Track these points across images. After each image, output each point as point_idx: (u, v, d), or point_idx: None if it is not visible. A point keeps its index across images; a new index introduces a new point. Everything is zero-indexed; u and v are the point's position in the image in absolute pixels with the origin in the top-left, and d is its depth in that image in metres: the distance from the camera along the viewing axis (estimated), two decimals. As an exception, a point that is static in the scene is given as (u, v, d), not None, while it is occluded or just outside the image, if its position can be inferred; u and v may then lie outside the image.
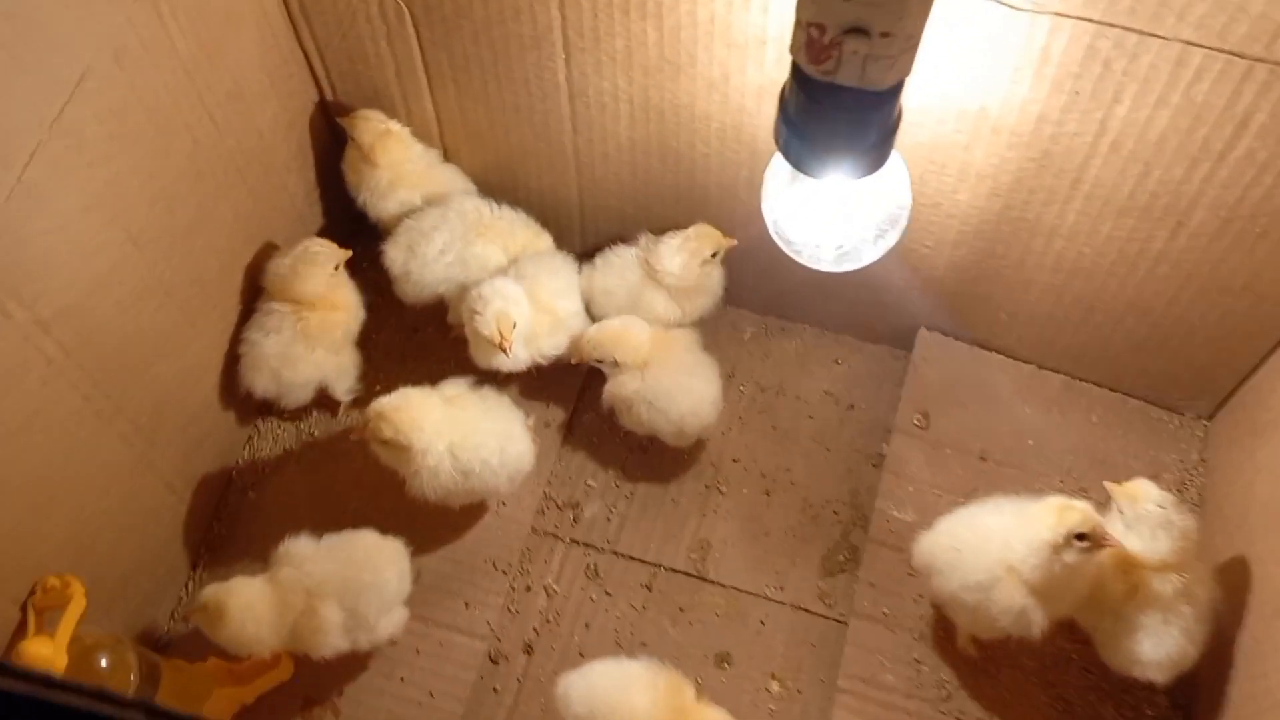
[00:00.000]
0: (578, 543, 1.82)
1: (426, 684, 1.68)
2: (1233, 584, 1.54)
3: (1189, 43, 1.29)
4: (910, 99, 1.38)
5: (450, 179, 1.92)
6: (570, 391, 1.94)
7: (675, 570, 1.79)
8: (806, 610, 1.75)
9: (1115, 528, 1.47)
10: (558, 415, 1.92)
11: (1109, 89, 1.38)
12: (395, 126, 1.85)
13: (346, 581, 1.55)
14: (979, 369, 1.92)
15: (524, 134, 1.83)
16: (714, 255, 1.81)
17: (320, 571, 1.55)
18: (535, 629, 1.74)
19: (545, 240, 1.92)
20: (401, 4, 1.67)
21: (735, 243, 1.79)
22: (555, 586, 1.78)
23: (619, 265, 1.87)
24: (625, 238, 1.90)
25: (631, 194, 1.87)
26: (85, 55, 1.32)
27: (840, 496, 1.85)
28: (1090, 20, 1.31)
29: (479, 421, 1.67)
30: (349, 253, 1.80)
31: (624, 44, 1.58)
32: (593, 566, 1.80)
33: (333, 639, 1.55)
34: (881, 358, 1.99)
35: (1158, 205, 1.52)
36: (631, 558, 1.80)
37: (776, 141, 1.24)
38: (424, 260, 1.82)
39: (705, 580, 1.78)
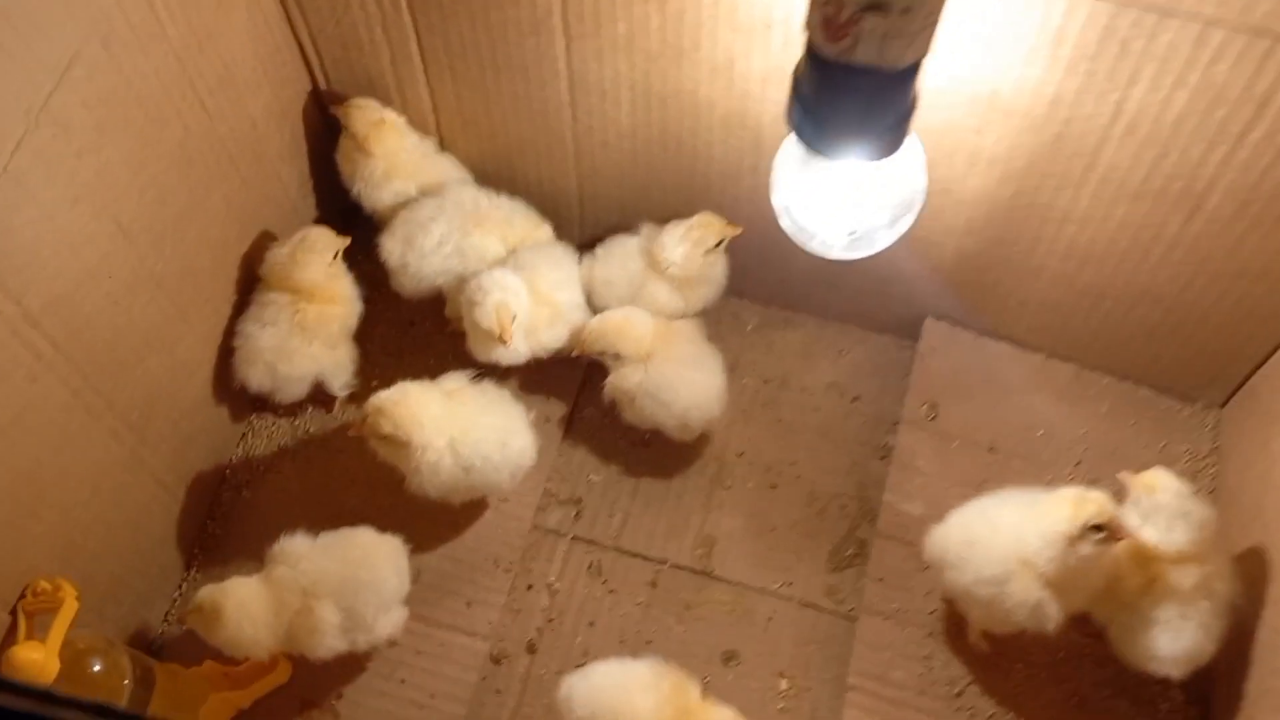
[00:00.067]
0: (580, 539, 1.79)
1: (427, 685, 1.65)
2: (1248, 575, 1.51)
3: (1210, 21, 1.26)
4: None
5: (446, 169, 1.89)
6: (571, 385, 1.90)
7: (680, 567, 1.76)
8: (814, 606, 1.72)
9: (1131, 519, 1.45)
10: (558, 409, 1.89)
11: (1126, 70, 1.35)
12: (390, 115, 1.81)
13: (343, 580, 1.51)
14: (987, 359, 1.89)
15: (522, 122, 1.79)
16: (718, 245, 1.77)
17: (316, 570, 1.51)
18: (538, 628, 1.71)
19: (545, 230, 1.89)
20: (397, -11, 1.63)
21: (740, 230, 1.76)
22: (558, 584, 1.75)
23: (620, 256, 1.85)
24: (626, 227, 1.87)
25: (632, 183, 1.83)
26: (73, 41, 1.28)
27: (847, 490, 1.82)
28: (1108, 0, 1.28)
29: (479, 416, 1.64)
30: (348, 240, 1.77)
31: (626, 28, 1.55)
32: (596, 564, 1.77)
33: (329, 639, 1.52)
34: (887, 348, 1.96)
35: (1173, 189, 1.49)
36: (635, 554, 1.77)
37: (790, 123, 1.20)
38: (421, 252, 1.78)
39: (711, 577, 1.75)
